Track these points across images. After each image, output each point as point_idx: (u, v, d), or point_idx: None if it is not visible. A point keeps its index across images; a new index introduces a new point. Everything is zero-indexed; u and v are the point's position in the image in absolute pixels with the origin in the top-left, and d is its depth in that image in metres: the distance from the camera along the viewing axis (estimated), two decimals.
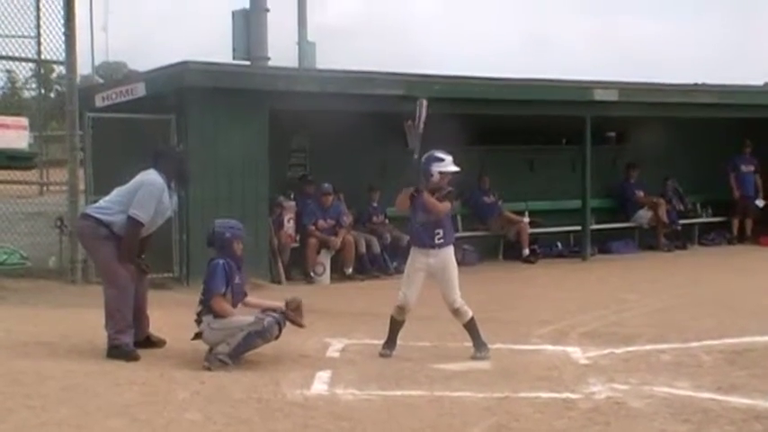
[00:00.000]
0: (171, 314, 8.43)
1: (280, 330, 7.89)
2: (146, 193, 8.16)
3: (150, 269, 8.73)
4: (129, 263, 8.15)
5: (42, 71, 14.62)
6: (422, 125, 8.31)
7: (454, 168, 8.44)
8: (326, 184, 14.18)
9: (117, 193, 8.37)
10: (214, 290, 7.85)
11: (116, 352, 8.02)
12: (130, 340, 8.12)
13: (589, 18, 79.10)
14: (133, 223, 8.12)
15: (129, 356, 7.98)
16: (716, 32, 68.06)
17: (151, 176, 8.29)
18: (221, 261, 7.92)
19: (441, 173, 8.36)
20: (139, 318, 8.34)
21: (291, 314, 8.04)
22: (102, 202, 8.49)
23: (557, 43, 64.09)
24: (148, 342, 8.34)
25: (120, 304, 8.08)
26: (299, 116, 13.39)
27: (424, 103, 8.40)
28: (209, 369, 7.65)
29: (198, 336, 7.98)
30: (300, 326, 8.11)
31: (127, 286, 8.12)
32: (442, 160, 8.40)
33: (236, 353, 7.79)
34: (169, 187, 8.38)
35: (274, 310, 8.01)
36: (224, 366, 7.67)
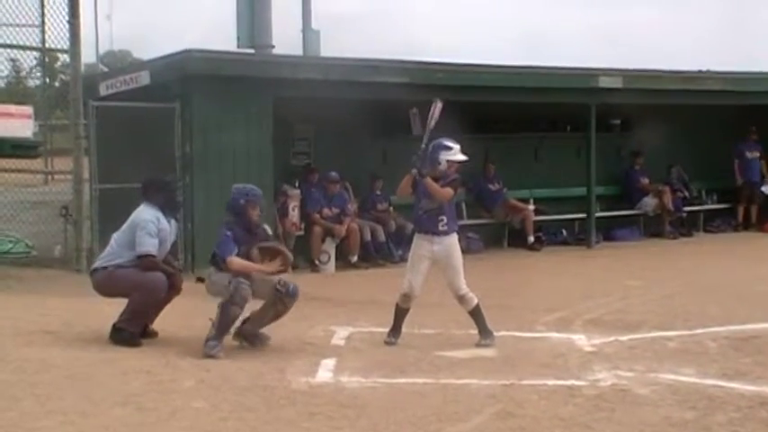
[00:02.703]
0: (175, 302, 8.42)
1: (251, 289, 7.84)
2: (144, 233, 8.20)
3: (177, 269, 8.85)
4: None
5: (47, 60, 14.64)
6: (433, 123, 8.30)
7: (462, 157, 8.42)
8: (333, 173, 14.16)
9: (115, 238, 8.45)
10: (225, 253, 7.87)
11: (118, 336, 8.08)
12: (136, 330, 8.17)
13: (589, 10, 79.02)
14: (146, 259, 8.18)
15: (129, 343, 8.02)
16: (712, 19, 67.85)
17: (142, 214, 8.33)
18: (228, 232, 7.96)
19: (448, 161, 8.35)
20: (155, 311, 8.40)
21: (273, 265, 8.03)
22: (104, 253, 8.60)
23: (555, 37, 63.98)
24: (143, 332, 8.33)
25: (144, 304, 8.15)
26: (302, 104, 13.37)
27: (439, 104, 8.36)
28: (210, 357, 7.68)
29: (201, 279, 8.17)
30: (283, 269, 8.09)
31: (158, 287, 8.14)
32: (451, 149, 8.38)
33: (222, 329, 7.81)
34: (164, 213, 8.42)
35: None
36: (216, 356, 7.69)
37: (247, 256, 7.99)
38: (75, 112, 12.37)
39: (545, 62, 15.75)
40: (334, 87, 13.04)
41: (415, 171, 8.26)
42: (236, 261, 7.87)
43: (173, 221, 8.59)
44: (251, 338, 8.15)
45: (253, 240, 8.06)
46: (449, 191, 8.35)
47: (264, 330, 8.19)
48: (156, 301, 8.24)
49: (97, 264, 8.63)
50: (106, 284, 8.36)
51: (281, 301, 8.05)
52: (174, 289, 8.33)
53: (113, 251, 8.39)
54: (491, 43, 59.65)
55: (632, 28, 71.51)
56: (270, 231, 8.51)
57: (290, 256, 8.30)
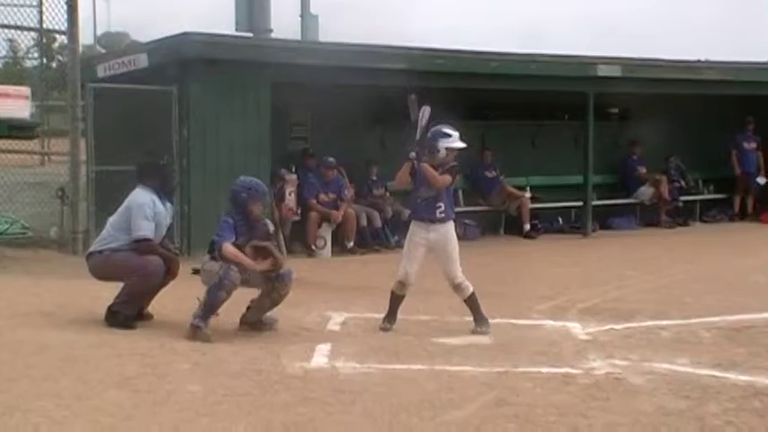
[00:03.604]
0: (171, 285, 8.42)
1: (241, 274, 7.82)
2: (139, 215, 8.19)
3: (177, 253, 8.90)
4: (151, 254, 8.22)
5: (44, 41, 14.58)
6: (423, 122, 8.29)
7: (461, 144, 8.38)
8: (330, 158, 14.15)
9: (111, 222, 8.45)
10: (222, 240, 7.86)
11: (113, 319, 8.08)
12: (131, 313, 8.17)
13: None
14: (143, 243, 8.17)
15: (124, 326, 8.03)
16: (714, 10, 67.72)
17: (137, 197, 8.32)
18: (230, 220, 7.95)
19: (447, 148, 8.32)
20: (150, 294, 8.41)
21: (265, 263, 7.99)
22: (99, 237, 8.60)
23: (552, 26, 63.86)
24: (138, 315, 8.35)
25: (141, 288, 8.15)
26: (301, 89, 13.34)
27: (427, 108, 8.35)
28: (196, 327, 7.73)
29: (196, 271, 8.21)
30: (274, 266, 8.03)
31: (155, 271, 8.14)
32: (450, 136, 8.35)
33: (206, 312, 7.80)
34: (160, 196, 8.41)
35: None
36: (198, 333, 7.70)
37: (241, 252, 7.97)
38: (73, 93, 12.33)
39: (542, 51, 15.72)
40: (333, 73, 12.99)
41: (413, 154, 8.25)
42: (229, 249, 7.83)
43: (168, 204, 8.57)
44: (257, 325, 8.16)
45: (252, 234, 8.02)
46: (447, 177, 8.33)
47: (271, 313, 8.21)
48: (153, 286, 8.23)
49: (93, 248, 8.61)
50: (102, 269, 8.35)
51: (275, 289, 8.06)
52: (170, 273, 8.31)
53: (109, 235, 8.37)
54: (488, 31, 59.58)
55: (631, 18, 71.42)
56: (271, 228, 8.44)
57: (282, 259, 8.20)
